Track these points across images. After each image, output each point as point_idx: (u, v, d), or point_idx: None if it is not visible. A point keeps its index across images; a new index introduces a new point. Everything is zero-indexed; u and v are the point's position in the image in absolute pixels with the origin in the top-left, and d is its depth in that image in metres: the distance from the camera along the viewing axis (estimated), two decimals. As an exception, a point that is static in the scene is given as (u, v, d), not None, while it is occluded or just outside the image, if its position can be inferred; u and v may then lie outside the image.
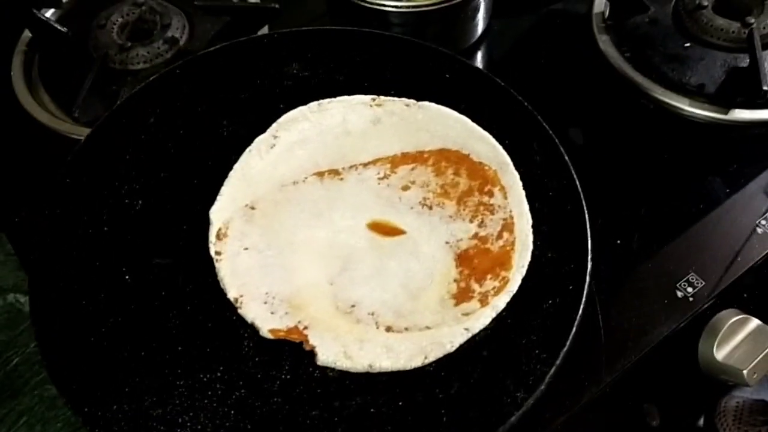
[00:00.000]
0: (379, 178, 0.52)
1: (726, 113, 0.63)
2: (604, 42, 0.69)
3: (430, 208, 0.50)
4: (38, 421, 0.60)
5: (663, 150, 0.65)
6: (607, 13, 0.71)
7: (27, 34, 0.72)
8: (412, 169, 0.53)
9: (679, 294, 0.53)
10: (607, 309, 0.52)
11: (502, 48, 0.73)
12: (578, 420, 0.48)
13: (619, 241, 0.57)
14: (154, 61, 0.67)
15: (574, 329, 0.43)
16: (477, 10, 0.68)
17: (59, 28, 0.70)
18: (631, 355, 0.50)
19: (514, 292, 0.46)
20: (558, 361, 0.42)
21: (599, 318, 0.51)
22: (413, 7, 0.64)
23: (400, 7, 0.64)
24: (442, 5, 0.63)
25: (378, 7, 0.64)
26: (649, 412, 0.54)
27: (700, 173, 0.63)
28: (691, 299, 0.53)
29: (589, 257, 0.46)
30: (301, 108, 0.55)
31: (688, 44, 0.67)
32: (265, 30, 0.69)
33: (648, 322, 0.52)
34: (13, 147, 0.67)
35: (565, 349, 0.42)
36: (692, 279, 0.54)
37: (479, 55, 0.72)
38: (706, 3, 0.67)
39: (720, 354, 0.54)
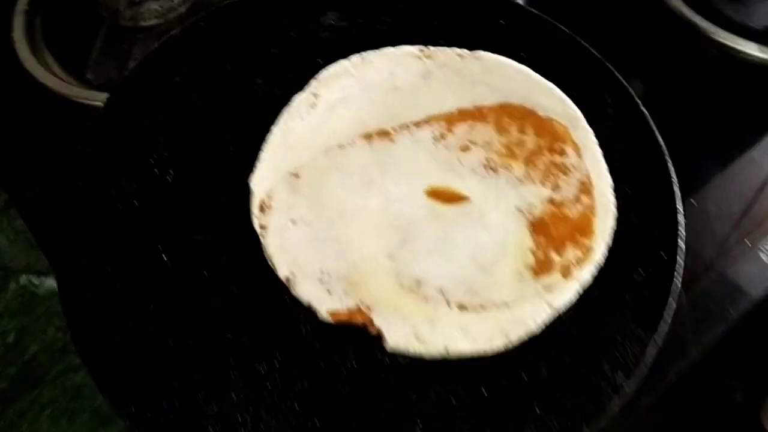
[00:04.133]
0: (435, 139, 0.47)
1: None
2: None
3: (495, 170, 0.45)
4: (63, 413, 0.55)
5: (729, 99, 0.60)
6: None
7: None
8: (471, 127, 0.47)
9: (764, 257, 0.49)
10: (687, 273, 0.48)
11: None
12: (666, 399, 0.44)
13: (693, 200, 0.52)
14: (167, 16, 0.61)
15: (670, 302, 0.39)
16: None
17: (60, -18, 0.63)
18: (719, 325, 0.46)
19: (600, 262, 0.41)
20: (658, 340, 0.37)
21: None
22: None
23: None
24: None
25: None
26: (734, 388, 0.50)
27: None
28: (777, 262, 0.49)
29: (681, 220, 0.41)
30: (342, 62, 0.49)
31: (754, -18, 0.61)
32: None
33: (735, 287, 0.47)
34: (18, 114, 0.61)
35: (664, 325, 0.38)
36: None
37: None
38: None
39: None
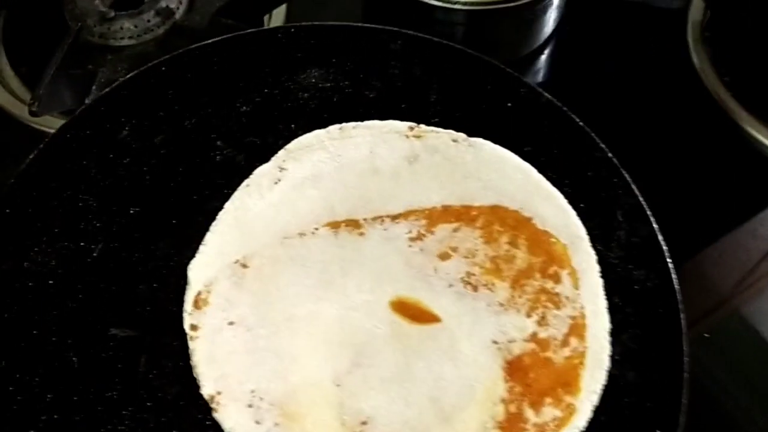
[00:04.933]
0: (411, 239, 0.40)
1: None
2: (700, 59, 0.55)
3: (475, 289, 0.39)
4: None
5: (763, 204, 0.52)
6: (706, 21, 0.57)
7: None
8: (455, 230, 0.40)
9: None
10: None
11: (570, 57, 0.59)
12: None
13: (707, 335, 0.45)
14: (142, 37, 0.54)
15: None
16: (546, 9, 0.54)
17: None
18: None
19: (583, 429, 0.34)
20: None
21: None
22: (476, 4, 0.50)
23: (463, 3, 0.50)
24: (509, 4, 0.49)
25: (434, 3, 0.50)
26: None
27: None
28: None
29: (685, 391, 0.34)
30: (317, 132, 0.43)
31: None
32: (281, 12, 0.56)
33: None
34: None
35: None
36: None
37: (542, 65, 0.58)
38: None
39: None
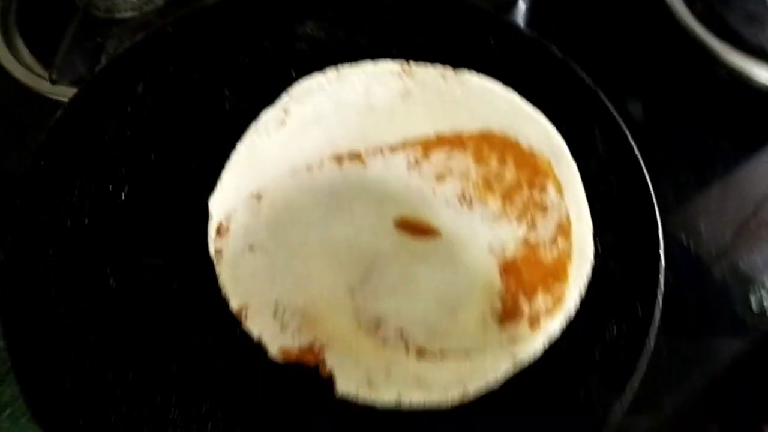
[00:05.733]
0: (409, 166, 0.44)
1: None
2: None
3: (470, 204, 0.43)
4: (23, 413, 0.54)
5: (739, 127, 0.56)
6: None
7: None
8: (449, 155, 0.44)
9: (754, 307, 0.46)
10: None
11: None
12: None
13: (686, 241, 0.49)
14: (143, 9, 0.58)
15: (643, 364, 0.36)
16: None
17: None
18: (696, 380, 0.43)
19: (572, 313, 0.38)
20: (623, 403, 0.35)
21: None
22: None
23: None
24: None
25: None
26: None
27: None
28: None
29: (662, 274, 0.38)
30: (316, 76, 0.46)
31: (769, 4, 0.57)
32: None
33: (717, 340, 0.45)
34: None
35: (632, 387, 0.35)
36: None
37: (521, 7, 0.62)
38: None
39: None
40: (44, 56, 0.58)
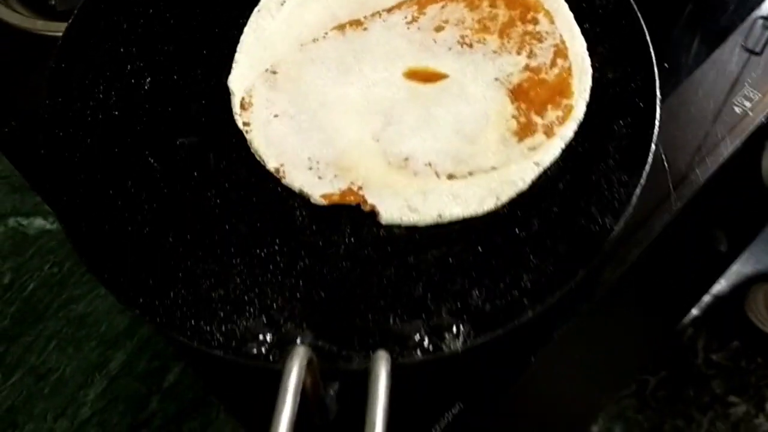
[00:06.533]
0: (408, 22, 0.47)
1: None
2: None
3: (471, 45, 0.46)
4: (69, 342, 0.56)
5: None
6: None
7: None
8: (443, 7, 0.47)
9: (737, 110, 0.50)
10: (664, 134, 0.49)
11: None
12: (651, 252, 0.46)
13: (666, 64, 0.52)
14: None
15: (653, 146, 0.40)
16: None
17: None
18: (697, 177, 0.47)
19: (581, 118, 0.42)
20: (642, 180, 0.39)
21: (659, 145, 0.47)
22: None
23: None
24: None
25: None
26: (717, 237, 0.51)
27: None
28: (750, 113, 0.50)
29: (656, 69, 0.42)
30: (306, -44, 0.49)
31: None
32: None
33: (709, 142, 0.49)
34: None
35: (647, 167, 0.39)
36: (748, 92, 0.51)
37: None
38: None
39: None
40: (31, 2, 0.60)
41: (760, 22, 0.53)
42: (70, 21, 0.45)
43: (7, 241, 0.59)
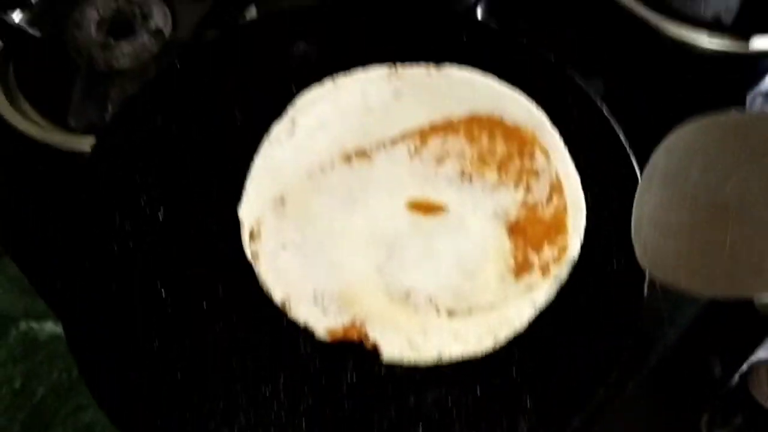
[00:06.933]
0: (410, 154, 0.49)
1: (746, 45, 0.61)
2: (610, -18, 0.66)
3: (470, 179, 0.48)
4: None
5: (683, 89, 0.62)
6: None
7: (-4, 41, 0.66)
8: (444, 140, 0.50)
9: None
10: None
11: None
12: (646, 382, 0.47)
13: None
14: (141, 57, 0.62)
15: (645, 292, 0.41)
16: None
17: (32, 31, 0.64)
18: (691, 305, 0.49)
19: (576, 258, 0.43)
20: (636, 327, 0.40)
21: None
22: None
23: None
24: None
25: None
26: (711, 363, 0.52)
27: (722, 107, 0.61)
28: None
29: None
30: (315, 88, 0.51)
31: (698, -27, 0.64)
32: (252, 10, 0.65)
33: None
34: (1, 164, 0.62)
35: (640, 312, 0.41)
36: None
37: (481, 8, 0.68)
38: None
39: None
40: (48, 111, 0.62)
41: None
42: (90, 150, 0.48)
43: (19, 345, 0.61)
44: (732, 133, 0.39)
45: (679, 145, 0.40)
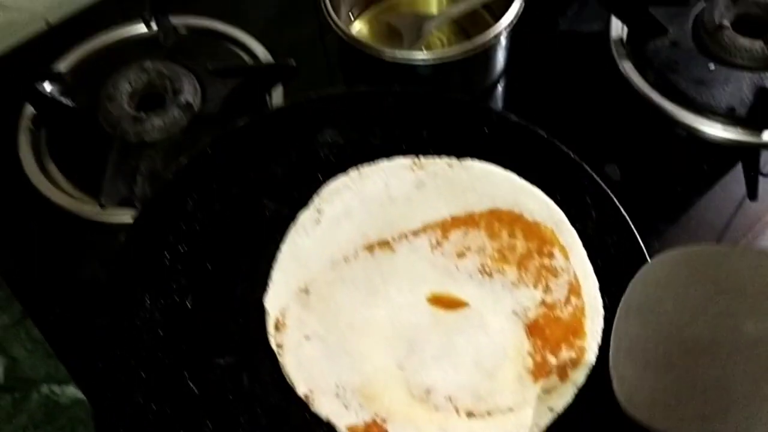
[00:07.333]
0: (432, 246, 0.51)
1: (759, 136, 0.62)
2: (627, 69, 0.68)
3: (490, 275, 0.49)
4: None
5: (699, 177, 0.64)
6: (625, 38, 0.70)
7: (30, 109, 0.68)
8: (465, 233, 0.51)
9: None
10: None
11: (522, 83, 0.71)
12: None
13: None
14: (170, 130, 0.64)
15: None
16: (495, 51, 0.67)
17: (65, 102, 0.67)
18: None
19: (593, 362, 0.45)
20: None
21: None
22: (437, 59, 0.62)
23: (424, 60, 0.62)
24: (467, 54, 0.61)
25: (397, 61, 0.62)
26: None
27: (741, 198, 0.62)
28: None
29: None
30: (341, 177, 0.53)
31: (712, 66, 0.66)
32: (279, 90, 0.67)
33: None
34: (30, 232, 0.64)
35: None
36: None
37: (500, 94, 0.71)
38: (726, 23, 0.66)
39: None
40: (80, 182, 0.64)
41: None
42: (122, 239, 0.49)
43: (41, 409, 0.62)
44: (704, 266, 0.40)
45: (654, 276, 0.41)
